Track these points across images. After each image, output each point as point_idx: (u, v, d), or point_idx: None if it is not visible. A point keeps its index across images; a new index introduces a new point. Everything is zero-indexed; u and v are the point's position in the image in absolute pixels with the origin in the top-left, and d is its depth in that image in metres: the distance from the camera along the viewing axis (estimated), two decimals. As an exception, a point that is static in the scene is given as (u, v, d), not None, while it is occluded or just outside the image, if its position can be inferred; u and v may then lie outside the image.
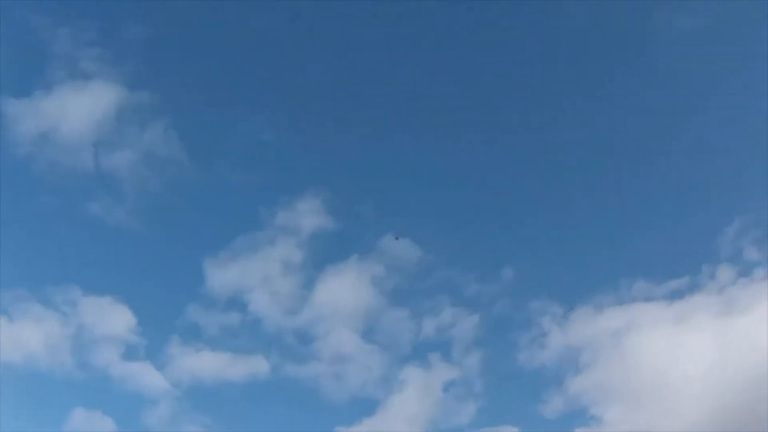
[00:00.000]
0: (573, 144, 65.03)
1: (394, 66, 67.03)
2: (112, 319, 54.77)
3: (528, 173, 65.19)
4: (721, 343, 66.94)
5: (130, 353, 53.71)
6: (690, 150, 63.81)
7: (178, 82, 64.14)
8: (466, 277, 59.61)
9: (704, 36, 63.19)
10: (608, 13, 65.02)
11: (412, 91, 66.59)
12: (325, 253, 60.45)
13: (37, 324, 53.75)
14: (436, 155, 66.27)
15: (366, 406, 55.08)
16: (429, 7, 66.71)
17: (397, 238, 58.71)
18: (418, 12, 67.13)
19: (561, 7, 65.66)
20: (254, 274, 59.26)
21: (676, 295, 58.71)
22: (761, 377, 62.45)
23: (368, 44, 67.04)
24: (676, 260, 60.41)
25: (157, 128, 60.46)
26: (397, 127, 66.54)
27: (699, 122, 64.21)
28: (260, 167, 63.92)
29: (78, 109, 59.78)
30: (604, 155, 65.27)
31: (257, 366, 55.86)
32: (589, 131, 65.14)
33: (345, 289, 59.69)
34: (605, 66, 65.70)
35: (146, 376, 53.59)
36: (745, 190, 62.00)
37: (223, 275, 58.31)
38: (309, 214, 60.58)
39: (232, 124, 64.19)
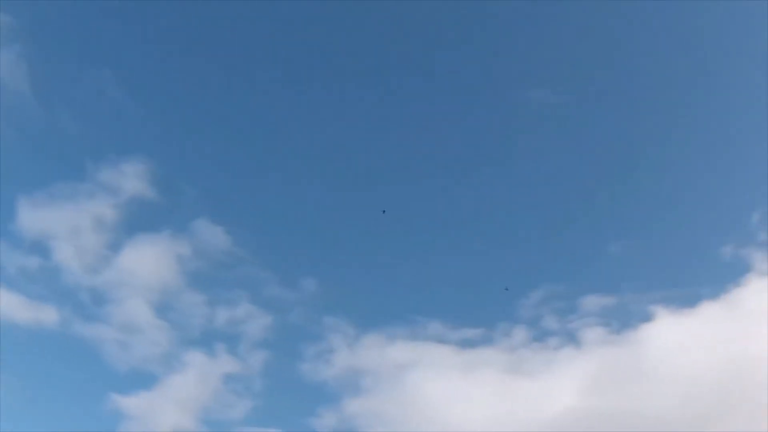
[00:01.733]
0: (394, 165, 67.89)
1: (227, 46, 68.88)
2: None
3: (350, 194, 67.30)
4: (504, 400, 68.44)
5: None
6: (504, 214, 68.08)
7: (40, 31, 63.66)
8: (269, 279, 60.01)
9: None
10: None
11: (253, 85, 68.67)
12: (138, 221, 59.87)
13: None
14: (270, 152, 67.72)
15: (145, 380, 54.40)
16: None
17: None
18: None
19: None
20: (65, 224, 58.22)
21: (467, 344, 60.78)
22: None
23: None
24: (475, 311, 63.31)
25: (9, 54, 59.39)
26: (242, 116, 68.17)
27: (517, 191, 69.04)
28: (98, 121, 63.53)
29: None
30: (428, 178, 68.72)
31: (47, 315, 54.36)
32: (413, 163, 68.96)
33: (149, 261, 58.77)
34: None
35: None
36: (550, 262, 66.82)
37: (33, 216, 57.13)
38: (133, 179, 59.84)
39: (81, 75, 63.88)
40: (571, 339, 63.11)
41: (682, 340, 59.52)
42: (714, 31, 69.02)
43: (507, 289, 62.15)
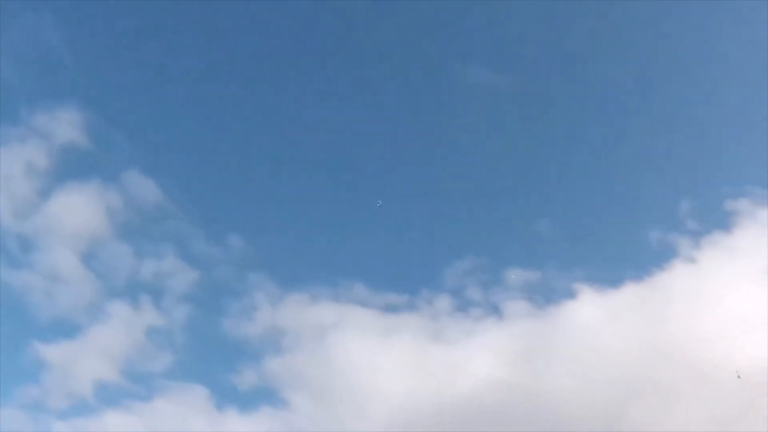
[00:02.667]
0: (328, 130, 67.10)
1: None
2: None
3: (281, 154, 66.64)
4: (423, 367, 68.02)
5: None
6: (436, 185, 67.90)
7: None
8: (197, 234, 59.52)
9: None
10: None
11: (185, 37, 67.82)
12: (70, 168, 58.96)
13: None
14: (204, 107, 67.08)
15: (68, 329, 54.00)
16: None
17: (378, 204, 58.66)
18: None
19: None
20: (-5, 167, 55.95)
21: (390, 309, 60.10)
22: (454, 407, 63.82)
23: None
24: (399, 277, 62.66)
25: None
26: (178, 69, 66.86)
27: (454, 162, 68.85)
28: (35, 66, 61.68)
29: None
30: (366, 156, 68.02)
31: (-29, 259, 52.45)
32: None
33: (78, 210, 57.69)
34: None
35: None
36: (477, 234, 66.52)
37: (-38, 159, 54.73)
38: (67, 126, 58.82)
39: (21, 19, 61.96)
40: (494, 311, 63.13)
41: (604, 319, 60.46)
42: (652, 16, 69.42)
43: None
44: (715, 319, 53.98)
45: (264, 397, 54.07)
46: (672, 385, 54.95)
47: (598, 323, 59.54)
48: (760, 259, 56.49)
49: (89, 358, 52.53)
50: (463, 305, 63.08)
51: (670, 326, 55.36)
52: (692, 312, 54.58)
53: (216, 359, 56.50)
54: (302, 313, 58.14)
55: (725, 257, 57.66)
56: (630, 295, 59.50)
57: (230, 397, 53.21)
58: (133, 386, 52.42)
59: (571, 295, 61.30)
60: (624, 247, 64.11)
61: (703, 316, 54.02)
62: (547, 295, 62.43)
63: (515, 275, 64.16)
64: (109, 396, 52.29)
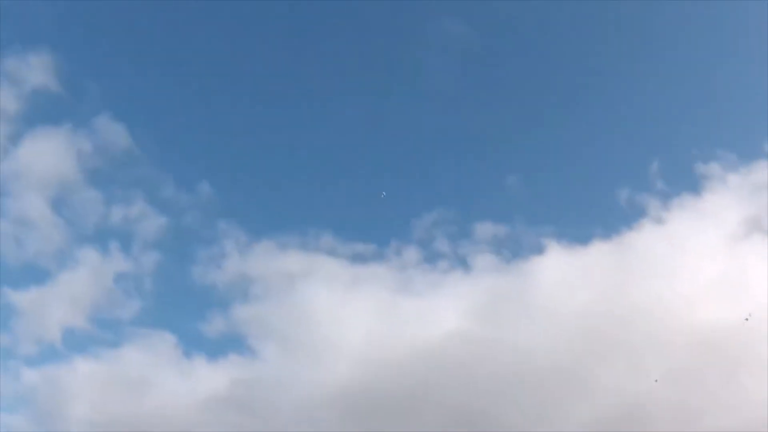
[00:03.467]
0: (299, 80, 66.21)
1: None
2: None
3: (251, 103, 65.38)
4: (391, 317, 67.90)
5: None
6: (406, 135, 67.07)
7: None
8: (166, 180, 59.19)
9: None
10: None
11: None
12: (41, 114, 58.30)
13: None
14: (175, 54, 65.18)
15: (37, 276, 54.26)
16: None
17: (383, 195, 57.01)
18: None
19: None
20: (-36, 111, 54.34)
21: (358, 259, 59.80)
22: (420, 358, 64.15)
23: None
24: (368, 227, 62.43)
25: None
26: (149, 17, 65.04)
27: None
28: (8, 12, 59.02)
29: None
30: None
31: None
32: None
33: (48, 155, 57.09)
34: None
35: None
36: (446, 186, 65.97)
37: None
38: (38, 71, 58.00)
39: None
40: (462, 263, 63.09)
41: (571, 276, 61.06)
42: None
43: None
44: (680, 279, 55.06)
45: (232, 344, 54.45)
46: (636, 342, 56.08)
47: (566, 279, 60.09)
48: (726, 224, 57.64)
49: (58, 304, 52.85)
50: (431, 257, 62.97)
51: (637, 285, 56.13)
52: (658, 272, 55.48)
53: (184, 306, 56.72)
54: (271, 262, 57.81)
55: (693, 219, 58.56)
56: (598, 252, 60.05)
57: (198, 345, 53.65)
58: (102, 333, 53.17)
59: (539, 250, 61.57)
60: (593, 205, 64.80)
61: (669, 277, 54.99)
62: (514, 250, 62.68)
63: (483, 229, 64.15)
64: (77, 342, 52.87)
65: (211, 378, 52.50)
